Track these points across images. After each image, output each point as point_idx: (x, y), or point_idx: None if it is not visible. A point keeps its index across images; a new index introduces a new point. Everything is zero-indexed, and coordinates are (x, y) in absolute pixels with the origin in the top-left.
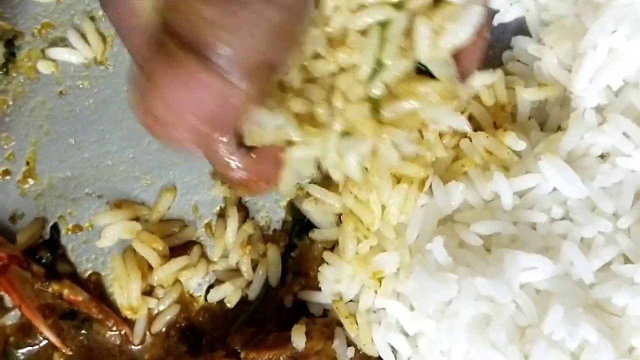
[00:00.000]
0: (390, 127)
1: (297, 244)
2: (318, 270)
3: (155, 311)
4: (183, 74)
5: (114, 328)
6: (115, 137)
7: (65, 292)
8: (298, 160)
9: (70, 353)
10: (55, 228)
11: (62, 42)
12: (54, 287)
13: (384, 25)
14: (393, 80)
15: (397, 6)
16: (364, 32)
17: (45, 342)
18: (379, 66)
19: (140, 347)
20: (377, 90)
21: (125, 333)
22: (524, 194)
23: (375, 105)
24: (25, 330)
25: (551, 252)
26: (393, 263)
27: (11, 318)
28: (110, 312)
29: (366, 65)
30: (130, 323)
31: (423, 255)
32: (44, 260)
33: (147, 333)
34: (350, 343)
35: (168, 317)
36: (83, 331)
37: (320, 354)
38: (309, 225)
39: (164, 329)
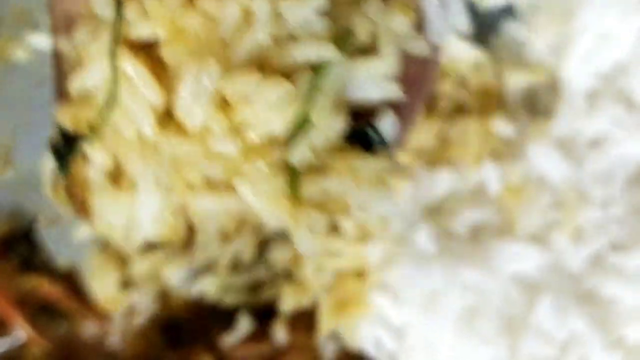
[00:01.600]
0: (311, 209)
1: None
2: None
3: (135, 304)
4: None
5: (94, 323)
6: None
7: (43, 285)
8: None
9: (46, 345)
10: (32, 220)
11: (40, 28)
12: (31, 281)
13: (318, 69)
14: (321, 148)
15: (340, 45)
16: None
17: (20, 334)
18: (304, 125)
19: (120, 341)
20: (298, 158)
21: (105, 327)
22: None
23: (293, 178)
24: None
25: (540, 241)
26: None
27: None
28: (90, 306)
29: (285, 122)
30: (109, 318)
31: (408, 244)
32: (20, 253)
33: (127, 327)
34: (333, 335)
35: (148, 310)
36: (61, 325)
37: (302, 347)
38: None
39: (143, 323)
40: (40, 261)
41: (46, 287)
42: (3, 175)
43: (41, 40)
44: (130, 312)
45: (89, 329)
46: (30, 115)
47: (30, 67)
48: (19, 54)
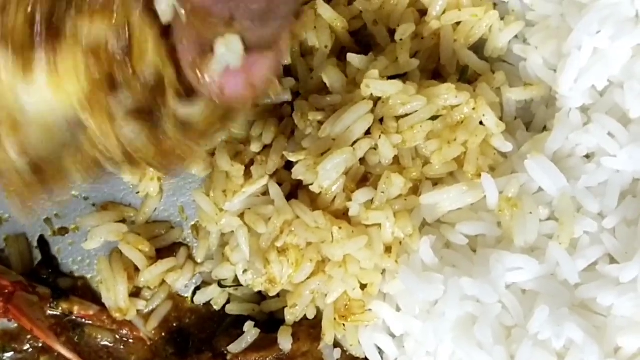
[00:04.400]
0: None
1: None
2: None
3: (144, 312)
4: None
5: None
6: None
7: (76, 308)
8: None
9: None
10: (42, 242)
11: None
12: (63, 307)
13: None
14: None
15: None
16: None
17: (30, 347)
18: None
19: (127, 349)
20: None
21: (115, 336)
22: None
23: None
24: (12, 335)
25: (537, 252)
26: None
27: None
28: (125, 321)
29: None
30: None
31: (409, 255)
32: (45, 278)
33: (136, 335)
34: (337, 344)
35: (162, 314)
36: (77, 337)
37: (307, 356)
38: None
39: (153, 331)
40: (65, 284)
41: (80, 310)
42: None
43: None
44: (139, 320)
45: (101, 337)
46: None
47: None
48: None
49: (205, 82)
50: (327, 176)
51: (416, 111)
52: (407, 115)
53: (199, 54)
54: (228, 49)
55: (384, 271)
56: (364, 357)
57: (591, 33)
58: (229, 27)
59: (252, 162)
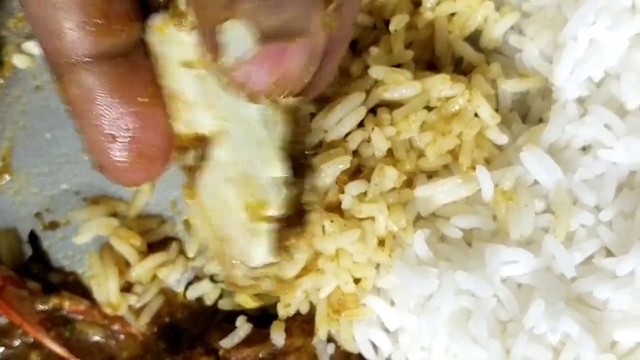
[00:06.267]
0: None
1: None
2: None
3: (136, 307)
4: None
5: (98, 328)
6: None
7: (66, 303)
8: None
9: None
10: (33, 236)
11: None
12: (54, 301)
13: None
14: None
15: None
16: None
17: (21, 342)
18: None
19: (118, 344)
20: None
21: (106, 332)
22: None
23: None
24: (3, 331)
25: (532, 246)
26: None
27: None
28: (117, 316)
29: None
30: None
31: (403, 249)
32: (36, 273)
33: (127, 331)
34: (330, 339)
35: (154, 309)
36: (68, 332)
37: (300, 351)
38: None
39: (145, 326)
40: (56, 279)
41: (70, 306)
42: (2, 181)
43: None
44: (130, 315)
45: (92, 333)
46: (28, 121)
47: (28, 74)
48: (18, 61)
49: (226, 79)
50: (323, 181)
51: (410, 100)
52: (401, 105)
53: (210, 48)
54: (232, 38)
55: (377, 265)
56: (358, 352)
57: (587, 23)
58: (229, 11)
59: None
